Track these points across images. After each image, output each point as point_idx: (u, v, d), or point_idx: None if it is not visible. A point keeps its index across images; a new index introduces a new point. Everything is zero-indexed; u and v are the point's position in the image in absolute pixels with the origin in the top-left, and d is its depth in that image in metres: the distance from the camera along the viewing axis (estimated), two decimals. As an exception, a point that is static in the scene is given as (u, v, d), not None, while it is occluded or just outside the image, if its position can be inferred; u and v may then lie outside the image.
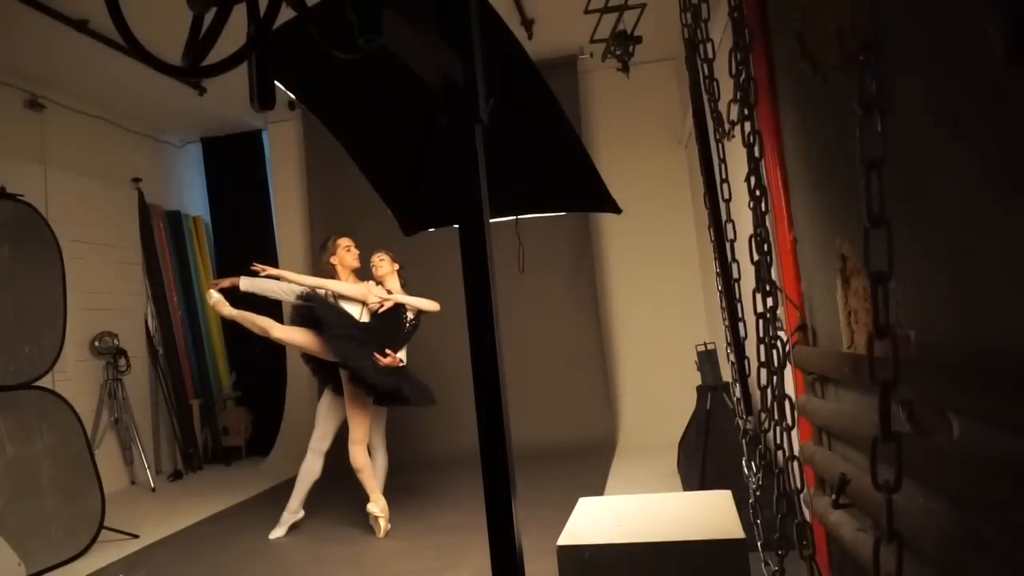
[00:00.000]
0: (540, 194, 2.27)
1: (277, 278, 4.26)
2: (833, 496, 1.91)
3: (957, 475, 1.28)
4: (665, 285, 6.37)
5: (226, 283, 4.18)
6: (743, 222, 2.37)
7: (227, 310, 4.07)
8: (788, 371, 2.08)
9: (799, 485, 1.86)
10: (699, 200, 5.85)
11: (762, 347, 1.99)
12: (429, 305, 4.24)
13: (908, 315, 1.58)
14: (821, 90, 2.02)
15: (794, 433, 2.02)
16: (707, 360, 4.21)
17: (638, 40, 4.47)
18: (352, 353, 3.97)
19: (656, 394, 6.09)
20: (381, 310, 4.13)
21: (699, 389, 4.28)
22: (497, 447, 1.26)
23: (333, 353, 3.99)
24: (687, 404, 4.56)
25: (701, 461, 3.74)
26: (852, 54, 1.76)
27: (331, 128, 2.03)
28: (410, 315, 4.22)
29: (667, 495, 2.66)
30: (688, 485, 4.06)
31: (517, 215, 2.32)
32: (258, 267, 4.17)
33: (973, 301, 1.27)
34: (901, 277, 1.62)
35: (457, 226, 1.29)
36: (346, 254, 4.41)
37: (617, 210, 2.41)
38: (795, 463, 1.85)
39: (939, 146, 1.31)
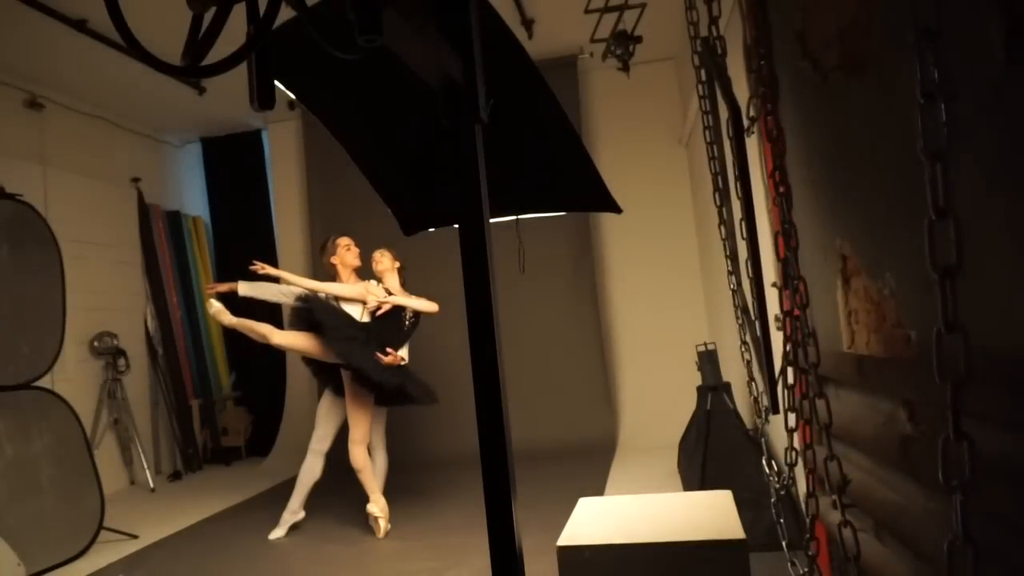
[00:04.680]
0: (540, 194, 2.27)
1: (276, 280, 4.27)
2: (833, 496, 1.90)
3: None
4: (665, 285, 6.37)
5: (224, 288, 4.15)
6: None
7: (228, 319, 4.08)
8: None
9: (842, 484, 1.84)
10: (699, 200, 5.86)
11: (788, 345, 1.97)
12: (427, 306, 4.23)
13: (908, 315, 1.58)
14: (821, 90, 2.02)
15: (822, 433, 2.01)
16: (707, 360, 4.21)
17: (638, 40, 4.47)
18: (354, 353, 3.98)
19: (656, 394, 6.08)
20: (379, 312, 4.13)
21: (699, 389, 4.28)
22: (497, 447, 1.26)
23: (335, 354, 4.00)
24: (687, 404, 4.55)
25: (701, 461, 3.74)
26: (855, 53, 1.76)
27: (330, 128, 2.02)
28: (409, 313, 4.22)
29: (667, 495, 2.66)
30: (688, 485, 4.05)
31: (517, 215, 2.32)
32: (257, 266, 4.15)
33: (974, 300, 1.27)
34: (901, 276, 1.62)
35: (457, 226, 1.29)
36: (346, 253, 4.41)
37: (617, 210, 2.41)
38: (834, 463, 1.83)
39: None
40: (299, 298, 4.16)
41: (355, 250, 4.43)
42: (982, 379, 1.22)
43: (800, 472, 2.00)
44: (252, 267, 4.16)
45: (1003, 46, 1.05)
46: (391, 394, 4.10)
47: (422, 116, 1.89)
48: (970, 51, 1.17)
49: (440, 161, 2.00)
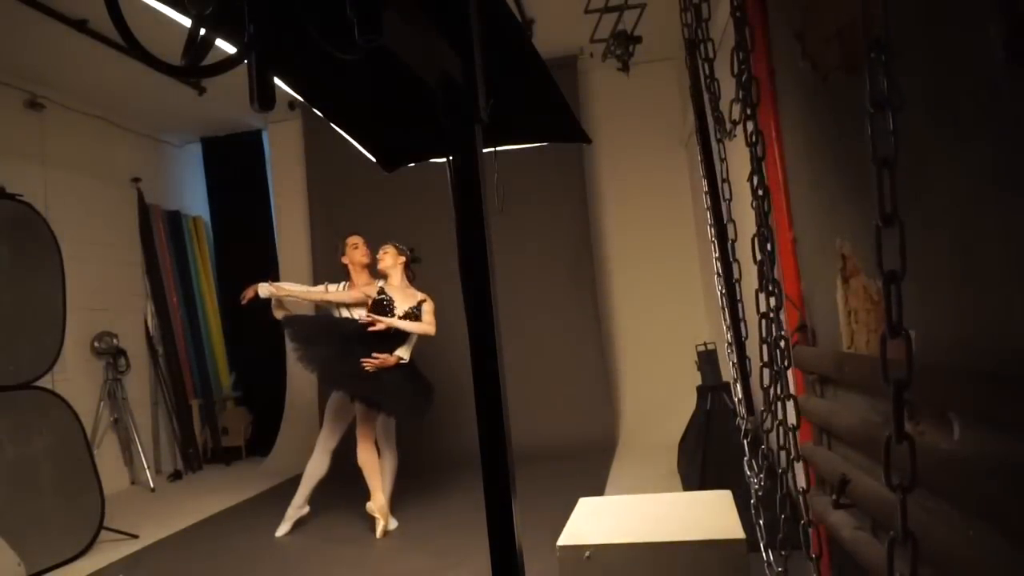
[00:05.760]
0: (516, 125, 2.22)
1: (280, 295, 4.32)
2: (833, 496, 1.91)
3: (957, 475, 1.28)
4: (665, 285, 6.37)
5: (251, 294, 4.23)
6: (745, 222, 2.37)
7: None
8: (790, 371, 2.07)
9: (805, 486, 1.85)
10: (699, 200, 5.86)
11: (765, 347, 1.98)
12: (418, 328, 4.19)
13: (908, 315, 1.58)
14: (821, 89, 2.02)
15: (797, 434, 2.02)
16: (707, 360, 4.21)
17: (638, 40, 4.47)
18: (326, 364, 4.09)
19: (656, 394, 6.08)
20: (370, 328, 4.10)
21: (699, 389, 4.28)
22: (497, 447, 1.26)
23: (308, 364, 4.11)
24: (687, 404, 4.55)
25: (701, 461, 3.73)
26: (854, 53, 1.76)
27: (288, 78, 1.90)
28: (397, 315, 4.20)
29: (667, 495, 2.66)
30: (688, 485, 4.05)
31: (495, 147, 2.26)
32: (246, 296, 4.25)
33: (973, 301, 1.27)
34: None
35: (439, 159, 1.27)
36: (354, 252, 4.44)
37: (587, 140, 2.45)
38: (799, 464, 1.85)
39: (940, 146, 1.31)
40: (282, 321, 4.27)
41: (363, 248, 4.46)
42: (984, 380, 1.22)
43: (796, 473, 2.00)
44: (242, 303, 4.25)
45: (1003, 47, 1.05)
46: (365, 402, 4.11)
47: (384, 54, 1.79)
48: (971, 52, 1.17)
49: (411, 97, 1.94)
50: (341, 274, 4.52)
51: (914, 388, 0.91)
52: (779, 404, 1.93)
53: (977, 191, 1.21)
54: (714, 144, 2.50)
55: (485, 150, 1.65)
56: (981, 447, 1.25)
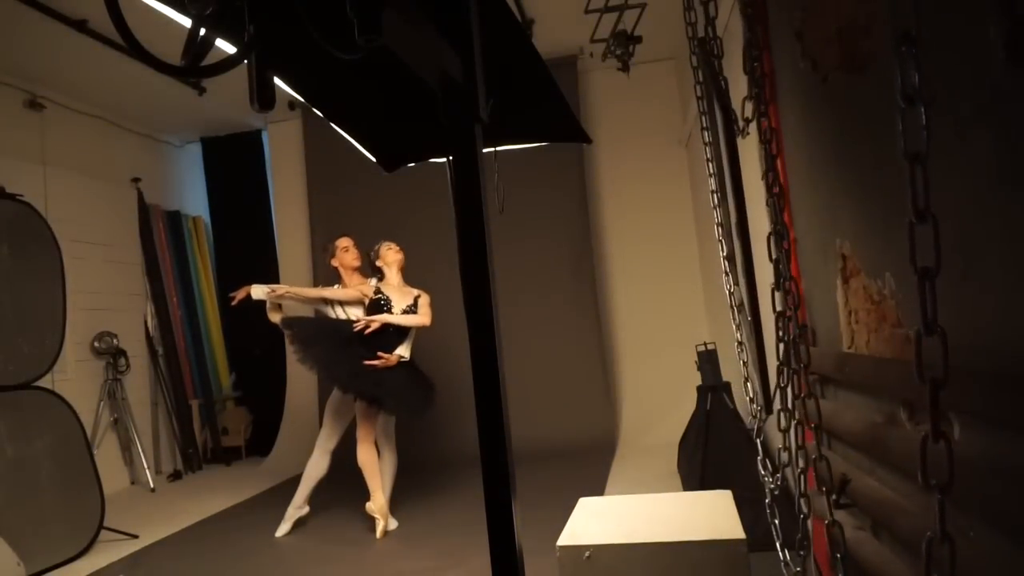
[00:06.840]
0: (516, 125, 2.23)
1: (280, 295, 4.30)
2: (833, 496, 1.90)
3: (957, 475, 1.27)
4: (665, 285, 6.37)
5: (243, 294, 4.21)
6: (749, 221, 2.37)
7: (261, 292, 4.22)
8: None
9: (831, 484, 1.84)
10: (699, 200, 5.86)
11: (781, 346, 1.97)
12: (414, 321, 4.19)
13: (908, 314, 1.58)
14: (821, 89, 2.02)
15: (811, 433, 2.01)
16: (707, 360, 4.20)
17: (638, 40, 4.48)
18: (326, 363, 4.08)
19: (656, 394, 6.08)
20: (367, 331, 4.08)
21: (699, 389, 4.27)
22: (497, 447, 1.26)
23: (310, 365, 4.11)
24: (687, 404, 4.55)
25: (701, 461, 3.73)
26: (854, 53, 1.76)
27: (288, 78, 1.90)
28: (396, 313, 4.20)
29: (667, 495, 2.66)
30: (688, 485, 4.05)
31: (495, 147, 2.26)
32: (237, 297, 4.24)
33: (974, 300, 1.27)
34: (900, 276, 1.62)
35: (439, 159, 1.27)
36: (344, 255, 4.41)
37: (587, 139, 2.46)
38: (822, 462, 1.83)
39: (940, 146, 1.31)
40: (282, 322, 4.24)
41: (354, 251, 4.43)
42: (984, 379, 1.22)
43: (795, 472, 2.00)
44: (232, 303, 4.23)
45: (1004, 47, 1.05)
46: (369, 401, 4.11)
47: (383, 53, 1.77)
48: (972, 52, 1.17)
49: (411, 97, 1.94)
50: (337, 277, 4.49)
51: (916, 388, 0.91)
52: (798, 403, 1.92)
53: (977, 191, 1.21)
54: (723, 142, 2.49)
55: (485, 150, 1.65)
56: (981, 447, 1.25)
